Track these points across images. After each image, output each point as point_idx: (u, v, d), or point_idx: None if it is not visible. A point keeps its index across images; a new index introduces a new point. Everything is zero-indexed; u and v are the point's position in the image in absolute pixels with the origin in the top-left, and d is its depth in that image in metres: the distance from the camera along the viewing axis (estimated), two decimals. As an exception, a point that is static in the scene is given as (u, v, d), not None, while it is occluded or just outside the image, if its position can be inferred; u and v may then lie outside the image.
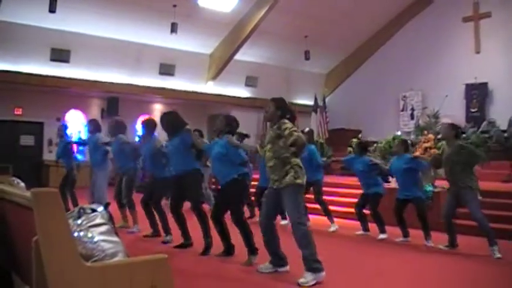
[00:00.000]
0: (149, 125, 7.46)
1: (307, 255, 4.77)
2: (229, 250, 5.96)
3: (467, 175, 6.38)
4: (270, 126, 5.17)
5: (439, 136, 10.36)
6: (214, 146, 6.00)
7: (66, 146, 9.20)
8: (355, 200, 8.37)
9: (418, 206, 7.18)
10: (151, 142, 7.21)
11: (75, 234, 2.79)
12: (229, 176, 5.71)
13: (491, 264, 5.94)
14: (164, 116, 6.59)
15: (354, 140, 11.40)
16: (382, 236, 7.57)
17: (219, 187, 6.48)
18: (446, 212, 6.64)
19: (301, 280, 4.67)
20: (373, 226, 7.80)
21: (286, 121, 4.99)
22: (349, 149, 11.29)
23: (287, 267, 5.19)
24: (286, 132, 4.85)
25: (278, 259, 5.18)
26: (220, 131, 5.98)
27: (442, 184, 8.49)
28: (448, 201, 6.67)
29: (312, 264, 4.75)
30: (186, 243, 6.47)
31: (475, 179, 6.45)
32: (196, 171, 6.46)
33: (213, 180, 11.32)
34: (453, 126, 6.70)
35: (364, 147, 8.20)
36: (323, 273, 4.76)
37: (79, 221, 2.92)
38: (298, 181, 4.88)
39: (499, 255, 6.15)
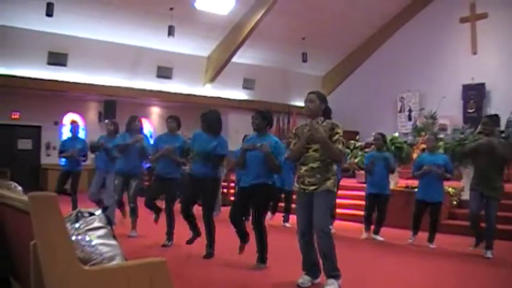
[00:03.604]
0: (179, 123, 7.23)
1: (330, 264, 4.61)
2: (245, 243, 5.77)
3: (498, 174, 6.33)
4: (311, 122, 4.76)
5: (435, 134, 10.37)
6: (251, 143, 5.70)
7: (83, 149, 8.98)
8: (352, 202, 8.38)
9: (436, 209, 7.11)
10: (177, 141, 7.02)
11: (73, 237, 2.79)
12: (262, 179, 5.50)
13: (494, 266, 5.95)
14: (210, 114, 6.30)
15: (351, 141, 11.40)
16: (379, 237, 7.57)
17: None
18: (474, 215, 6.52)
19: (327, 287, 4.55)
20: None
21: (339, 125, 4.72)
22: (347, 150, 11.26)
23: (320, 276, 4.87)
24: (336, 137, 4.61)
25: (315, 270, 4.85)
26: (260, 128, 5.67)
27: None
28: (473, 203, 6.54)
29: (333, 272, 4.61)
30: (196, 235, 6.38)
31: (501, 179, 6.40)
32: (217, 179, 6.39)
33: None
34: (492, 119, 6.69)
35: (386, 139, 8.10)
36: (340, 280, 4.62)
37: (77, 225, 2.92)
38: (335, 189, 4.75)
39: (490, 256, 6.23)
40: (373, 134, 8.05)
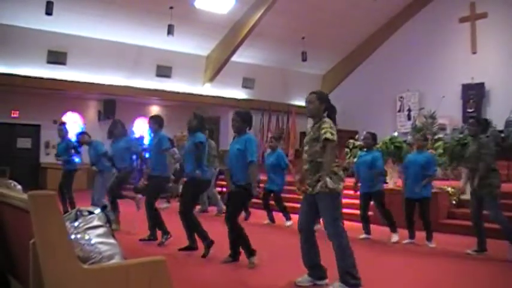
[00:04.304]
0: (159, 122, 7.30)
1: (343, 267, 4.51)
2: (235, 256, 5.79)
3: (489, 171, 6.26)
4: (313, 124, 4.81)
5: (437, 136, 10.39)
6: (231, 145, 5.83)
7: (68, 146, 9.20)
8: (349, 202, 8.36)
9: (423, 205, 7.14)
10: (159, 139, 7.13)
11: (72, 236, 2.79)
12: (239, 181, 5.57)
13: (494, 265, 5.95)
14: (200, 115, 6.50)
15: (351, 140, 11.41)
16: (395, 236, 7.49)
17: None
18: (473, 216, 6.51)
19: None
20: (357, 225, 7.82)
21: (327, 120, 4.66)
22: (346, 149, 11.28)
23: (326, 280, 4.77)
24: (322, 131, 4.54)
25: (318, 271, 4.78)
26: (239, 130, 5.76)
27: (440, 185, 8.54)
28: (472, 204, 6.54)
29: (346, 278, 4.49)
30: (192, 247, 6.37)
31: (497, 176, 6.33)
32: (193, 177, 6.33)
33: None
34: (479, 122, 6.65)
35: (376, 138, 8.10)
36: None
37: (76, 224, 2.92)
38: (336, 186, 4.57)
39: None
40: (364, 132, 8.08)
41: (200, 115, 6.52)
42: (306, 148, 4.76)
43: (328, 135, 4.49)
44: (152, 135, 7.49)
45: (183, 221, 6.29)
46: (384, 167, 8.20)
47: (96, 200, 8.06)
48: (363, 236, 7.68)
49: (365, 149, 8.04)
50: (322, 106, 4.77)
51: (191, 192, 6.34)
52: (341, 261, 4.53)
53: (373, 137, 7.90)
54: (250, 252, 5.54)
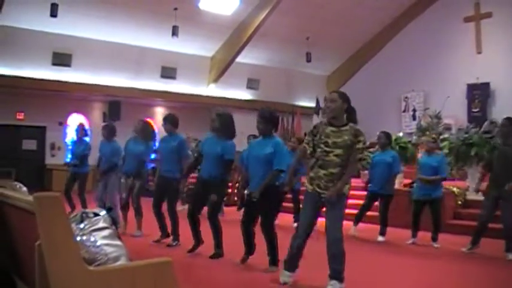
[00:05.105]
0: (174, 121, 7.17)
1: (339, 269, 4.56)
2: (249, 253, 5.78)
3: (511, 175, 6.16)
4: (330, 123, 4.68)
5: (442, 136, 10.35)
6: (255, 147, 5.67)
7: (86, 150, 9.23)
8: (356, 202, 8.36)
9: (434, 205, 7.13)
10: (180, 144, 7.03)
11: (78, 238, 2.80)
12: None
13: (498, 266, 5.93)
14: (223, 115, 6.23)
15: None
16: (381, 238, 7.54)
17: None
18: (485, 218, 6.41)
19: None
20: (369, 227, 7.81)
21: (362, 132, 4.60)
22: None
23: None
24: (360, 145, 4.54)
25: (296, 265, 4.88)
26: (265, 132, 5.56)
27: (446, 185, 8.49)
28: (487, 206, 6.41)
29: (338, 275, 4.56)
30: (197, 244, 6.36)
31: None
32: (224, 180, 6.31)
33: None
34: (511, 121, 6.46)
35: (391, 138, 8.07)
36: (343, 284, 4.57)
37: (82, 225, 2.93)
38: (348, 191, 4.69)
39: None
40: (378, 133, 8.04)
41: (225, 113, 6.29)
42: (339, 151, 4.54)
43: (359, 157, 4.67)
44: (166, 135, 7.25)
45: (193, 226, 6.27)
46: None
47: (119, 200, 7.98)
48: (352, 229, 7.74)
49: (377, 149, 8.04)
50: (344, 105, 4.69)
51: (221, 196, 6.29)
52: (340, 265, 4.56)
53: (387, 136, 7.86)
54: (275, 262, 5.46)
